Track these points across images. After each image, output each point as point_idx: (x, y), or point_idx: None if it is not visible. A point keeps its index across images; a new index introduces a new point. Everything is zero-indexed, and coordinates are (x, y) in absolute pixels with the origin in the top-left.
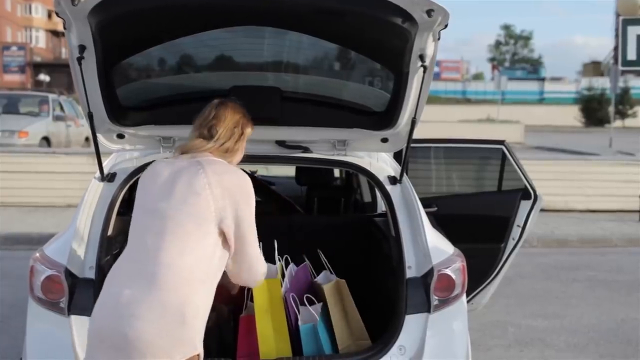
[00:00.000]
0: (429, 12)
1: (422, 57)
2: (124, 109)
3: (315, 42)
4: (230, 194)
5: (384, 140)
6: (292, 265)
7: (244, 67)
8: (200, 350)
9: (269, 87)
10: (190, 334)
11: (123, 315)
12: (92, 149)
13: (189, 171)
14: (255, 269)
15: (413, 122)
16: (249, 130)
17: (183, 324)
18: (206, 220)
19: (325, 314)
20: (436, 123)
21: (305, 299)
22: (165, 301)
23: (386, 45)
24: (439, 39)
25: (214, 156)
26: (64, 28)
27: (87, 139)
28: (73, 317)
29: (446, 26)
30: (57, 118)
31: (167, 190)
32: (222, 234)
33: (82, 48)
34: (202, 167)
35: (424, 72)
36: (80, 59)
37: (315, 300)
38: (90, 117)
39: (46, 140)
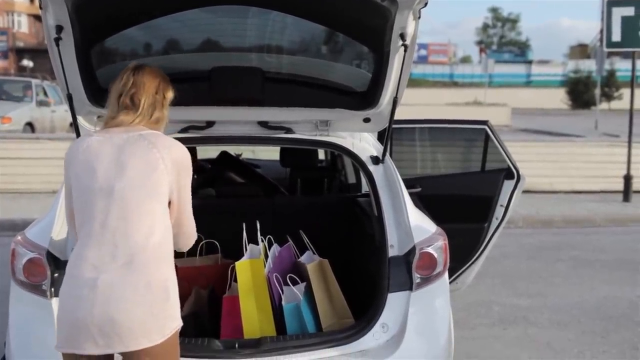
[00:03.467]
0: None
1: (402, 36)
2: (104, 91)
3: (297, 22)
4: (177, 166)
5: (366, 120)
6: (275, 246)
7: (225, 47)
8: (180, 322)
9: (250, 68)
10: (174, 308)
11: (107, 300)
12: (75, 134)
13: (136, 147)
14: (192, 234)
15: (395, 102)
16: (170, 94)
17: (168, 300)
18: (163, 195)
19: (309, 293)
20: (424, 106)
21: (288, 279)
22: (149, 281)
23: (367, 24)
24: (419, 17)
25: (148, 129)
26: (40, 8)
27: (71, 124)
28: (55, 299)
29: (426, 4)
30: (40, 103)
31: (117, 168)
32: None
33: (59, 28)
34: (149, 142)
35: (405, 51)
36: (57, 40)
37: (299, 280)
38: (69, 99)
39: (30, 125)
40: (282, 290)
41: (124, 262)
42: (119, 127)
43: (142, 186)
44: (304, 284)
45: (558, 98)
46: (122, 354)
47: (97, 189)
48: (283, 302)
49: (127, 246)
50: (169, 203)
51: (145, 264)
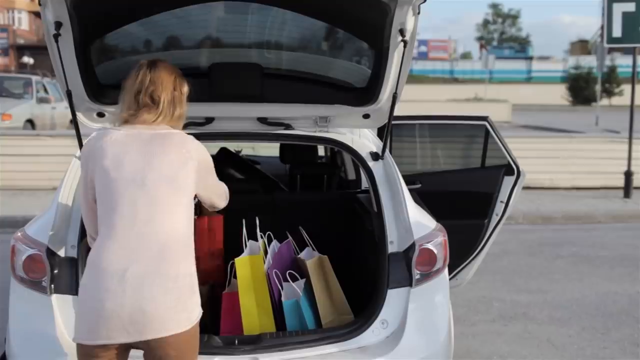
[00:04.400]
0: None
1: (402, 32)
2: (104, 87)
3: (296, 18)
4: (204, 167)
5: (366, 116)
6: (275, 242)
7: (225, 44)
8: (201, 309)
9: (249, 64)
10: (197, 299)
11: (137, 291)
12: (75, 130)
13: (167, 143)
14: (222, 194)
15: (394, 98)
16: (186, 89)
17: (193, 293)
18: (190, 189)
19: (308, 289)
20: (424, 102)
21: (288, 275)
22: (177, 271)
23: (366, 20)
24: (419, 13)
25: (170, 127)
26: (39, 4)
27: (71, 121)
28: (55, 296)
29: (425, 0)
30: (41, 100)
31: (148, 161)
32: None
33: (58, 25)
34: (179, 140)
35: (405, 47)
36: (56, 36)
37: (299, 277)
38: (69, 95)
39: (30, 122)
40: (282, 287)
41: (155, 253)
42: (143, 124)
43: (172, 179)
44: (304, 280)
45: (558, 94)
46: (148, 342)
47: (126, 181)
48: (283, 299)
49: (157, 237)
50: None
51: (175, 255)
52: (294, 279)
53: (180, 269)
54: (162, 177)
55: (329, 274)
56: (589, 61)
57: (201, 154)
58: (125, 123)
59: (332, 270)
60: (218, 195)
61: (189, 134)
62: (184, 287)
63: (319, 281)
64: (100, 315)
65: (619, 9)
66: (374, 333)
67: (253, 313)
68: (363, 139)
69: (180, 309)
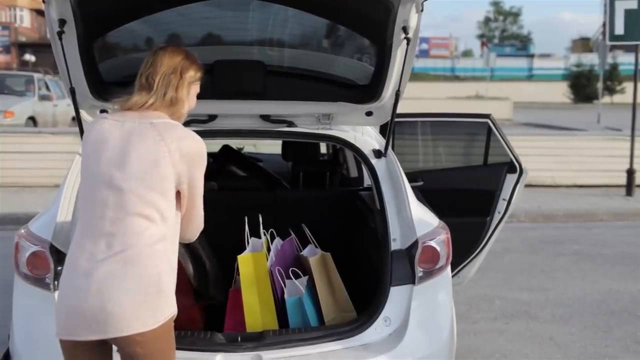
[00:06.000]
0: None
1: (405, 29)
2: (107, 85)
3: (299, 15)
4: (188, 159)
5: (369, 113)
6: (277, 239)
7: (227, 41)
8: (175, 309)
9: (252, 61)
10: (168, 298)
11: (100, 290)
12: (78, 127)
13: (144, 137)
14: (198, 226)
15: (397, 95)
16: (191, 74)
17: (160, 293)
18: (167, 189)
19: (311, 286)
20: (425, 100)
21: (290, 272)
22: (141, 273)
23: (369, 17)
24: (422, 10)
25: (163, 113)
26: (43, 1)
27: (73, 118)
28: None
29: None
30: (42, 98)
31: (120, 157)
32: (178, 196)
33: (62, 22)
34: (158, 132)
35: (408, 44)
36: (60, 33)
37: (301, 274)
38: (72, 92)
39: (32, 120)
40: (285, 284)
41: (119, 254)
42: (133, 110)
43: (142, 179)
44: (306, 277)
45: (560, 92)
46: (116, 339)
47: (99, 176)
48: (285, 296)
49: (123, 238)
50: (178, 193)
51: (140, 257)
52: (297, 276)
53: (144, 271)
54: (131, 177)
55: (331, 271)
56: (590, 59)
57: (186, 145)
58: (120, 107)
59: (335, 267)
60: (196, 208)
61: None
62: (149, 290)
63: (322, 278)
64: (69, 312)
65: (621, 7)
66: (377, 331)
67: (256, 310)
68: (366, 136)
69: (145, 308)
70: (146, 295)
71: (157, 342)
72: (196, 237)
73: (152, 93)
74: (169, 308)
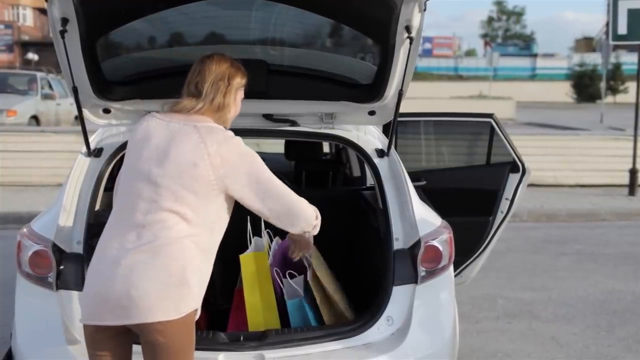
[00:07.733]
0: None
1: (408, 28)
2: (110, 84)
3: (301, 14)
4: (232, 163)
5: (371, 112)
6: (276, 239)
7: (230, 40)
8: (198, 305)
9: (255, 60)
10: (189, 292)
11: (126, 278)
12: (80, 126)
13: (186, 138)
14: (300, 212)
15: (400, 95)
16: (237, 81)
17: (183, 285)
18: (205, 191)
19: (310, 287)
20: (428, 100)
21: (287, 275)
22: (167, 265)
23: (372, 16)
24: (425, 9)
25: (209, 118)
26: (46, 0)
27: (76, 117)
28: (61, 291)
29: None
30: (45, 97)
31: (161, 155)
32: (231, 200)
33: (64, 21)
34: (200, 135)
35: (410, 43)
36: (63, 32)
37: (296, 275)
38: (75, 91)
39: (35, 119)
40: (283, 284)
41: (148, 244)
42: (181, 112)
43: (179, 177)
44: (302, 277)
45: (563, 91)
46: (138, 325)
47: (138, 170)
48: (286, 298)
49: (153, 230)
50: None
51: (166, 248)
52: (295, 277)
53: (170, 263)
54: (168, 175)
55: (327, 271)
56: (593, 58)
57: (227, 149)
58: (169, 109)
59: (327, 265)
60: (277, 199)
61: None
62: (173, 276)
63: (323, 277)
64: (94, 297)
65: (624, 6)
66: (379, 330)
67: (258, 309)
68: (368, 135)
69: (168, 298)
70: (170, 285)
71: (177, 334)
72: (302, 227)
73: (201, 99)
74: (192, 302)
